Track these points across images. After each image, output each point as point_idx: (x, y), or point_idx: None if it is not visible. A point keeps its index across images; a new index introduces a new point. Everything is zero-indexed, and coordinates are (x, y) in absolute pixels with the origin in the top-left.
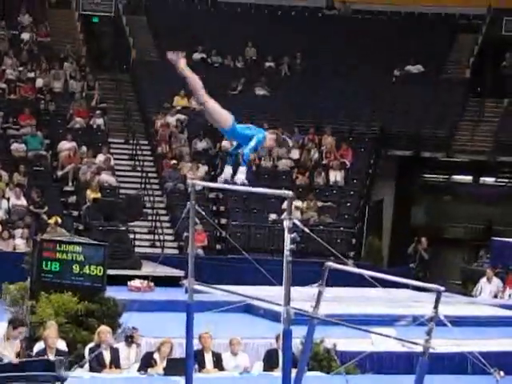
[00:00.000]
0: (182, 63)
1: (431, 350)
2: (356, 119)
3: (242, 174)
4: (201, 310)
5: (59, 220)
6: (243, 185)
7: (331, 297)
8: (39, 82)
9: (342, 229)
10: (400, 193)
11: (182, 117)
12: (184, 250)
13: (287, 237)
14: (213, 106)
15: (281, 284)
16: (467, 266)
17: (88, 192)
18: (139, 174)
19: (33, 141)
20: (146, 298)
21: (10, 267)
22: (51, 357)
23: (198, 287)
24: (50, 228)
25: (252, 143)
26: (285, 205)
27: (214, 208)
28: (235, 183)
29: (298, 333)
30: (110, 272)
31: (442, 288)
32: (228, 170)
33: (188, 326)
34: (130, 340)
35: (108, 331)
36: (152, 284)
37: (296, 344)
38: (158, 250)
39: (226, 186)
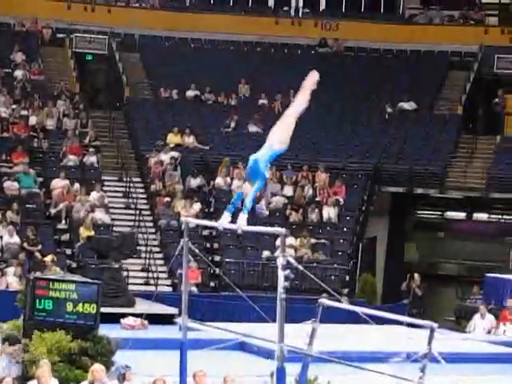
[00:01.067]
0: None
1: None
2: (349, 156)
3: (243, 221)
4: (195, 347)
5: (55, 258)
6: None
7: (325, 334)
8: (32, 120)
9: (335, 266)
10: (393, 229)
11: (175, 154)
12: (178, 287)
13: (281, 274)
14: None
15: (275, 321)
16: (461, 302)
17: (81, 230)
18: (133, 212)
19: (26, 179)
20: (139, 336)
21: (3, 305)
22: None
23: (191, 325)
24: (47, 266)
25: (250, 196)
26: (278, 242)
27: (208, 245)
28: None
29: (293, 370)
30: (104, 310)
31: (436, 324)
32: (227, 217)
33: (182, 364)
34: (121, 379)
35: (101, 369)
36: (146, 322)
37: (290, 381)
38: (152, 288)
39: (219, 225)
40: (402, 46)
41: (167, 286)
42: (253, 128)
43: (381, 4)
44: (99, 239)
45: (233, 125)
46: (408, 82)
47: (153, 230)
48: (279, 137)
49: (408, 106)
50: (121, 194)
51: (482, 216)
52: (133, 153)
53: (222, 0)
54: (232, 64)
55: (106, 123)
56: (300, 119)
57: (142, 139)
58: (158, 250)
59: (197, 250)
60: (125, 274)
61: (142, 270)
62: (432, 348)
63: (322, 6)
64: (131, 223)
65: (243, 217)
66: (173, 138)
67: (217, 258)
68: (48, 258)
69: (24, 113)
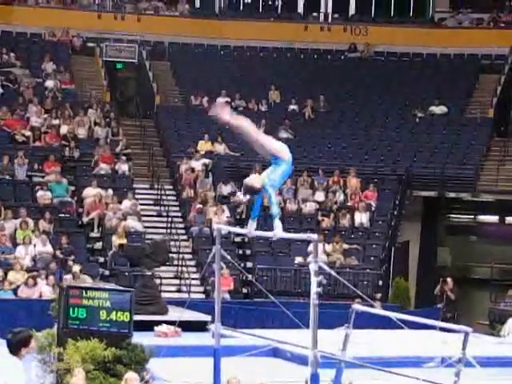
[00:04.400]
0: (225, 115)
1: None
2: (380, 161)
3: (279, 230)
4: (228, 354)
5: (82, 268)
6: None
7: (358, 339)
8: (64, 129)
9: (368, 271)
10: (426, 233)
11: (206, 161)
12: (210, 294)
13: (313, 280)
14: (263, 138)
15: (307, 327)
16: (494, 306)
17: (114, 238)
18: (165, 219)
19: (58, 188)
20: (172, 344)
21: (37, 314)
22: None
23: (224, 332)
24: (75, 275)
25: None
26: (310, 248)
27: (240, 252)
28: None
29: (327, 376)
30: (137, 318)
31: (470, 329)
32: (252, 224)
33: (215, 371)
34: None
35: (135, 378)
36: (179, 329)
37: None
38: (185, 295)
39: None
40: (432, 50)
41: (200, 293)
42: (283, 134)
43: (410, 8)
44: (131, 247)
45: (262, 131)
46: (438, 86)
47: (185, 237)
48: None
49: (438, 110)
50: (152, 202)
51: None
52: (164, 160)
53: (252, 6)
54: (262, 70)
55: (137, 131)
56: (330, 125)
57: (173, 147)
58: (190, 257)
59: (229, 257)
60: (157, 281)
61: (175, 278)
62: (466, 352)
63: (352, 11)
64: (163, 230)
65: (278, 224)
66: (204, 145)
67: (249, 265)
68: (76, 268)
69: (55, 122)
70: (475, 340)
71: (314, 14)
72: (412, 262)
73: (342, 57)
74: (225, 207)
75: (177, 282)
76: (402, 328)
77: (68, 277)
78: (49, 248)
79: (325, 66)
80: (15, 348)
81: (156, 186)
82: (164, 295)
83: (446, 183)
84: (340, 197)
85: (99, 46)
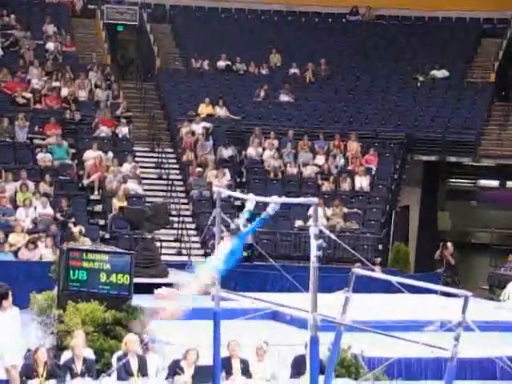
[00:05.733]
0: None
1: (459, 356)
2: (381, 125)
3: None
4: (228, 317)
5: (83, 229)
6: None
7: (358, 303)
8: (64, 92)
9: (368, 235)
10: (426, 198)
11: (207, 124)
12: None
13: (313, 243)
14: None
15: (307, 291)
16: (494, 270)
17: (114, 201)
18: (165, 182)
19: (58, 150)
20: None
21: (37, 276)
22: (79, 366)
23: (224, 295)
24: (75, 237)
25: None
26: (311, 211)
27: (240, 215)
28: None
29: (326, 339)
30: (137, 280)
31: (470, 293)
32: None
33: (215, 334)
34: (144, 347)
35: (135, 339)
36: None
37: (324, 351)
38: (185, 258)
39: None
40: (434, 14)
41: (200, 256)
42: (284, 97)
43: None
44: (132, 210)
45: (262, 94)
46: (440, 50)
47: (185, 201)
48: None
49: (440, 74)
50: (153, 165)
51: None
52: (164, 123)
53: None
54: (263, 33)
55: (138, 94)
56: (331, 89)
57: (173, 110)
58: (190, 220)
59: (229, 220)
60: (158, 244)
61: (175, 241)
62: (466, 317)
63: None
64: (163, 194)
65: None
66: (204, 109)
67: None
68: (76, 229)
69: (56, 84)
70: (475, 304)
71: None
72: (412, 227)
73: (344, 20)
74: (225, 170)
75: (177, 244)
76: (401, 292)
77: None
78: (49, 210)
79: (326, 29)
80: None
81: (156, 149)
82: (164, 258)
83: (447, 148)
84: (340, 161)
85: (100, 8)
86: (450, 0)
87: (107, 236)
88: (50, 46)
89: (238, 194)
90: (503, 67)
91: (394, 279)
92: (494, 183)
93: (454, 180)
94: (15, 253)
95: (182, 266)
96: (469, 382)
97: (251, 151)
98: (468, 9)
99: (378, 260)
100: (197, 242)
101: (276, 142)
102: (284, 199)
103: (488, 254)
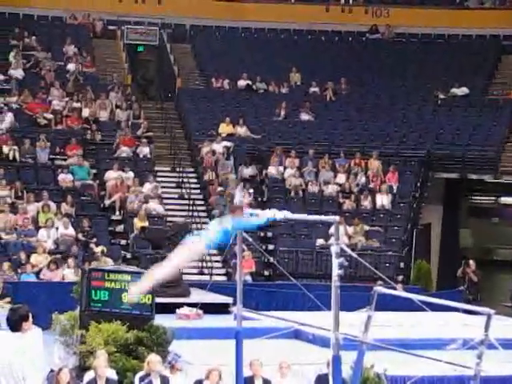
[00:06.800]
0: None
1: (482, 374)
2: (402, 142)
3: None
4: (250, 336)
5: (105, 249)
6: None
7: (380, 321)
8: (85, 112)
9: (389, 253)
10: (448, 215)
11: (227, 144)
12: (232, 276)
13: (335, 262)
14: (179, 261)
15: (329, 309)
16: None
17: (135, 221)
18: (186, 202)
19: (80, 171)
20: (194, 326)
21: (60, 297)
22: None
23: (246, 314)
24: (97, 257)
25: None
26: (332, 230)
27: (262, 234)
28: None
29: (348, 358)
30: (159, 300)
31: (493, 311)
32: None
33: (237, 353)
34: (171, 367)
35: (158, 360)
36: (201, 311)
37: (346, 370)
38: (207, 278)
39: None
40: (453, 31)
41: (221, 275)
42: (304, 116)
43: None
44: (153, 230)
45: (283, 113)
46: (460, 68)
47: (206, 220)
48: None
49: (460, 91)
50: (174, 185)
51: None
52: (185, 143)
53: None
54: (283, 52)
55: (159, 114)
56: (352, 107)
57: (194, 129)
58: None
59: (250, 239)
60: None
61: (197, 260)
62: (489, 334)
63: None
64: (185, 213)
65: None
66: (225, 128)
67: (271, 247)
68: (98, 250)
69: (77, 105)
70: (498, 322)
71: None
72: (434, 244)
73: (364, 38)
74: (246, 190)
75: (199, 264)
76: (424, 310)
77: None
78: (71, 231)
79: (346, 47)
80: (16, 324)
81: (177, 169)
82: (186, 277)
83: (468, 165)
84: (361, 179)
85: (120, 28)
86: (469, 17)
87: (129, 256)
88: (71, 66)
89: (259, 211)
90: None
91: (416, 297)
92: None
93: (475, 197)
94: (37, 273)
95: (203, 286)
96: None
97: (272, 170)
98: (488, 26)
99: (400, 278)
100: (218, 262)
101: (297, 161)
102: (306, 216)
103: (510, 271)
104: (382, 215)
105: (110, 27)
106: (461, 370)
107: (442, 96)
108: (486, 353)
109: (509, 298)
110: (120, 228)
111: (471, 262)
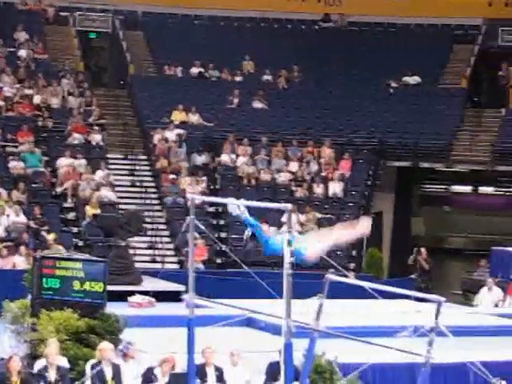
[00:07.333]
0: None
1: (432, 361)
2: (354, 131)
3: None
4: (202, 324)
5: (57, 237)
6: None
7: (332, 309)
8: (37, 99)
9: None
10: (400, 204)
11: (180, 131)
12: (184, 264)
13: (287, 250)
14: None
15: (281, 297)
16: (468, 275)
17: (87, 208)
18: (138, 190)
19: (31, 158)
20: (146, 314)
21: (10, 285)
22: (52, 374)
23: (198, 302)
24: (49, 245)
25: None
26: (284, 218)
27: (214, 222)
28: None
29: (300, 345)
30: (111, 288)
31: (443, 298)
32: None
33: (189, 341)
34: (123, 355)
35: (109, 348)
36: (153, 299)
37: (298, 357)
38: (159, 265)
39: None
40: (406, 20)
41: (174, 263)
42: (257, 104)
43: None
44: (105, 217)
45: (236, 101)
46: (412, 57)
47: (159, 208)
48: (316, 250)
49: (412, 80)
50: (126, 172)
51: (487, 189)
52: (138, 130)
53: None
54: (236, 40)
55: (111, 101)
56: (305, 95)
57: (146, 117)
58: (164, 227)
59: (203, 227)
60: (131, 251)
61: (149, 248)
62: (439, 322)
63: None
64: (137, 201)
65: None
66: (177, 116)
67: (223, 235)
68: (50, 237)
69: (28, 92)
70: (448, 309)
71: None
72: (386, 232)
73: (316, 27)
74: (199, 177)
75: (151, 252)
76: (375, 298)
77: None
78: (22, 218)
79: (299, 36)
80: None
81: (130, 157)
82: (138, 265)
83: (420, 153)
84: (314, 167)
85: (72, 15)
86: (422, 7)
87: (81, 244)
88: (22, 53)
89: (212, 199)
90: (475, 73)
91: (368, 285)
92: (467, 188)
93: (427, 185)
94: None
95: (155, 274)
96: None
97: (225, 158)
98: (440, 15)
99: (352, 266)
100: (171, 249)
101: (249, 149)
102: (258, 203)
103: (461, 259)
104: (334, 203)
105: (62, 13)
106: (411, 358)
107: (394, 85)
108: (437, 340)
109: (459, 286)
110: (72, 215)
111: (423, 249)
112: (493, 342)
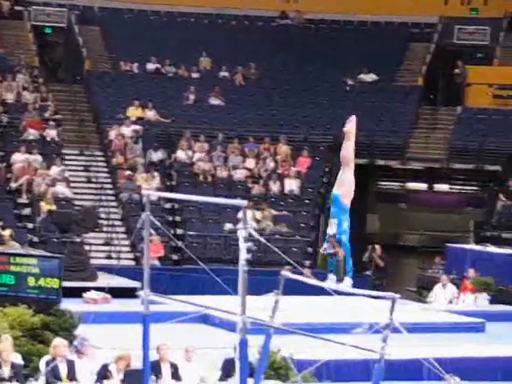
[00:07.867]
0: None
1: (387, 357)
2: (311, 128)
3: (348, 283)
4: (157, 320)
5: (13, 233)
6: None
7: (287, 306)
8: None
9: (297, 238)
10: (355, 200)
11: (136, 127)
12: (140, 261)
13: (243, 246)
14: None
15: (237, 294)
16: (422, 272)
17: (42, 204)
18: (94, 186)
19: None
20: (102, 310)
21: None
22: (6, 370)
23: (154, 298)
24: (5, 241)
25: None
26: (240, 214)
27: (170, 218)
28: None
29: (256, 342)
30: (66, 284)
31: (397, 295)
32: (332, 276)
33: (144, 337)
34: (77, 351)
35: (63, 344)
36: (108, 296)
37: (253, 353)
38: (114, 262)
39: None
40: (363, 18)
41: (130, 259)
42: (214, 101)
43: None
44: (60, 213)
45: (192, 98)
46: (368, 54)
47: (115, 204)
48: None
49: (368, 77)
50: (82, 168)
51: (443, 187)
52: (93, 126)
53: None
54: (192, 36)
55: (67, 97)
56: (261, 92)
57: (102, 113)
58: (120, 223)
59: (159, 224)
60: (87, 247)
61: (104, 244)
62: (394, 318)
63: None
64: (93, 197)
65: (348, 281)
66: (134, 112)
67: (179, 232)
68: (6, 233)
69: None
70: (402, 306)
71: None
72: None
73: (273, 24)
74: (155, 174)
75: (106, 248)
76: (331, 295)
77: None
78: None
79: (256, 32)
80: None
81: (85, 152)
82: (93, 262)
83: (376, 151)
84: (270, 164)
85: (27, 9)
86: (378, 4)
87: (36, 240)
88: None
89: (167, 195)
90: (431, 71)
91: (323, 284)
92: (422, 186)
93: (382, 183)
94: None
95: (111, 270)
96: None
97: (181, 154)
98: (396, 13)
99: (308, 263)
100: (126, 246)
101: (206, 145)
102: (214, 199)
103: (416, 256)
104: (290, 200)
105: (17, 8)
106: (366, 354)
107: (350, 82)
108: (391, 336)
109: (414, 282)
110: (27, 211)
111: (377, 246)
112: (447, 338)
